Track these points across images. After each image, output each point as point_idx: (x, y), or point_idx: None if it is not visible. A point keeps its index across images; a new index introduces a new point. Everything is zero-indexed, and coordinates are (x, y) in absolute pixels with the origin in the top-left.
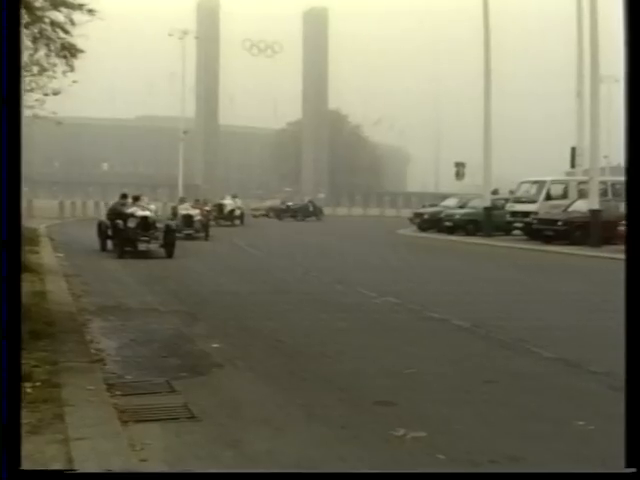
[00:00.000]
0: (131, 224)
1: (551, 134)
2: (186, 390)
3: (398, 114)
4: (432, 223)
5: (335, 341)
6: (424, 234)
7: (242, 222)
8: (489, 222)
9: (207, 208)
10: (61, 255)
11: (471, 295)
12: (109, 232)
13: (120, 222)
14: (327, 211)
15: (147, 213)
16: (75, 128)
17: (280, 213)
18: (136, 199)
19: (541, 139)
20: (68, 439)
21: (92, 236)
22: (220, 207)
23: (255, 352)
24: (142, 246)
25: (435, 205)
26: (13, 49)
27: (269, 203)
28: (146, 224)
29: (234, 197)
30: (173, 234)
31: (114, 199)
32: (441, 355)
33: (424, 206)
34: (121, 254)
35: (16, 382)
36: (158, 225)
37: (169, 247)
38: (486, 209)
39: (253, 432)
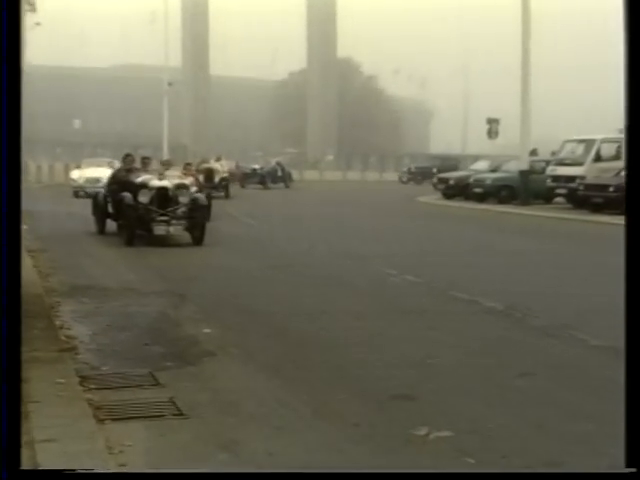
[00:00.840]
0: (143, 198)
1: (603, 84)
2: (172, 383)
3: (419, 63)
4: (459, 189)
5: (346, 326)
6: (449, 202)
7: (227, 193)
8: (526, 188)
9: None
10: (36, 249)
11: (505, 273)
12: (109, 209)
13: (127, 195)
14: (337, 176)
15: (166, 183)
16: (40, 79)
17: (244, 179)
18: (145, 163)
19: (590, 90)
20: (33, 441)
21: (74, 211)
22: (209, 173)
23: (253, 338)
24: (160, 229)
25: (425, 168)
26: (13, 49)
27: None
28: (165, 198)
29: (218, 160)
30: (203, 212)
31: (86, 162)
32: (469, 342)
33: (409, 170)
34: (130, 240)
35: (16, 382)
36: (181, 199)
37: (197, 230)
38: (523, 173)
39: (250, 431)
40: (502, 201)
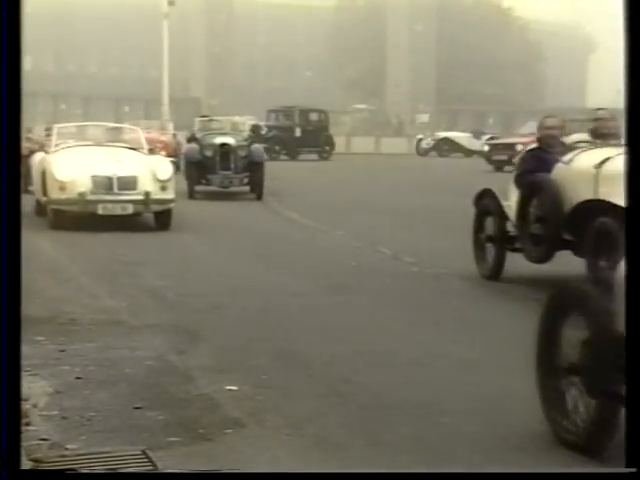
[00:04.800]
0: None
1: None
2: (178, 467)
3: None
4: None
5: (451, 379)
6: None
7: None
8: None
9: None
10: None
11: None
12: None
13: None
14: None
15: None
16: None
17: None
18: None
19: None
20: None
21: None
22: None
23: (301, 399)
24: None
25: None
26: (13, 49)
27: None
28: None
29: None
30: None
31: (38, 117)
32: None
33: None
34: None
35: (16, 382)
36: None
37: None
38: None
39: None
40: None
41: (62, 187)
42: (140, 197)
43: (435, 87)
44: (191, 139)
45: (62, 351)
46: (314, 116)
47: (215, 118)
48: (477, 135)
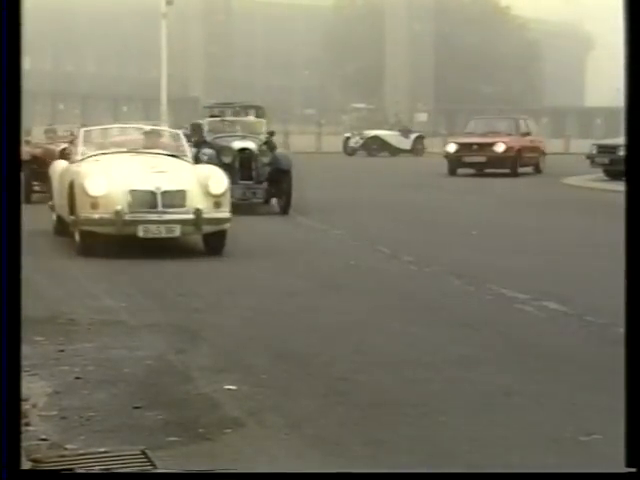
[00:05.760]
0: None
1: None
2: (177, 467)
3: None
4: None
5: (448, 377)
6: (615, 185)
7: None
8: None
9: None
10: None
11: None
12: None
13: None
14: (432, 145)
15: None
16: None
17: None
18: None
19: None
20: None
21: None
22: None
23: (301, 398)
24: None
25: None
26: (13, 49)
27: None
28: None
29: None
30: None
31: (37, 117)
32: None
33: None
34: None
35: (16, 382)
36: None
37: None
38: None
39: None
40: None
41: (94, 204)
42: (189, 216)
43: (433, 86)
44: (199, 142)
45: (61, 350)
46: (252, 112)
47: (227, 119)
48: (405, 134)
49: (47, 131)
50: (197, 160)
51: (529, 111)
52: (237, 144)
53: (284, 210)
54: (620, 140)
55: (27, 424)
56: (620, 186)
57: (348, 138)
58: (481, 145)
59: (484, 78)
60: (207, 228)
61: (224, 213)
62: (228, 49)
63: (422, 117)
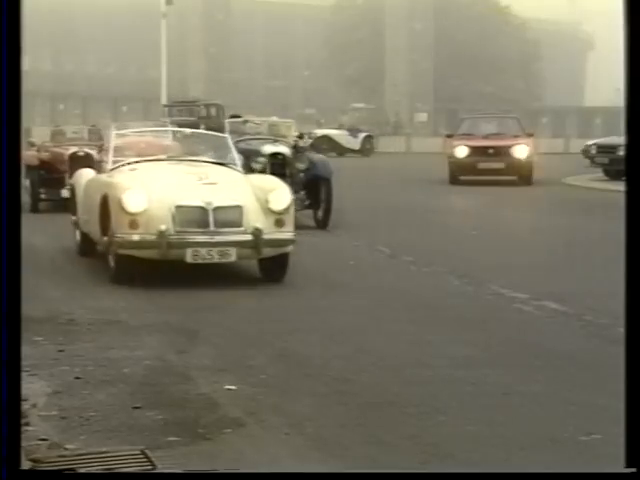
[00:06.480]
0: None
1: None
2: (177, 467)
3: None
4: None
5: (445, 376)
6: (615, 185)
7: None
8: None
9: None
10: None
11: None
12: None
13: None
14: (432, 145)
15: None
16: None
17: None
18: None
19: None
20: None
21: None
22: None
23: (302, 398)
24: None
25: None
26: (13, 49)
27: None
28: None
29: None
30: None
31: (37, 117)
32: None
33: None
34: None
35: (16, 381)
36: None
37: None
38: None
39: None
40: None
41: (134, 223)
42: (247, 237)
43: (433, 86)
44: None
45: (61, 350)
46: (213, 111)
47: (250, 119)
48: (354, 133)
49: (54, 133)
50: None
51: (529, 111)
52: (268, 148)
53: (322, 224)
54: (615, 139)
55: (27, 424)
56: (619, 186)
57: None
58: (498, 149)
59: (484, 78)
60: (267, 251)
61: (287, 233)
62: (228, 49)
63: (422, 117)
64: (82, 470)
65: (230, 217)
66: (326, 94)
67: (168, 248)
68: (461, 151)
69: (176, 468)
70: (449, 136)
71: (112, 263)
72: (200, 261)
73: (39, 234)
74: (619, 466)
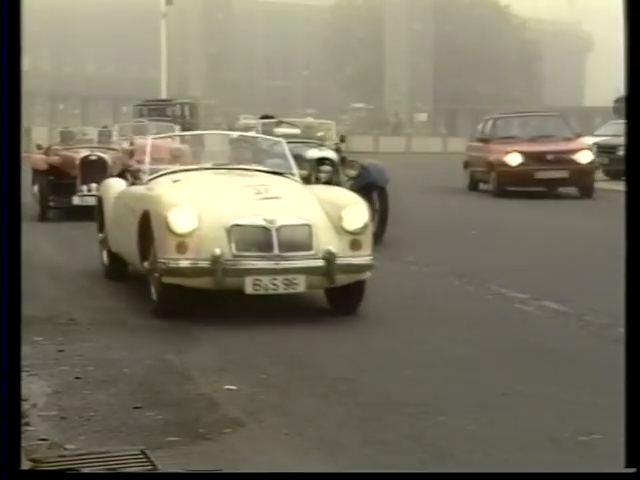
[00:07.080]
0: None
1: None
2: (177, 467)
3: None
4: None
5: (446, 380)
6: (617, 185)
7: None
8: None
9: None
10: None
11: None
12: None
13: None
14: (431, 145)
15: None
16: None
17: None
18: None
19: None
20: None
21: None
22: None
23: (302, 399)
24: None
25: None
26: (13, 49)
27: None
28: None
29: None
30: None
31: (37, 117)
32: None
33: None
34: None
35: (16, 381)
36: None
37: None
38: None
39: None
40: None
41: (182, 246)
42: (318, 263)
43: (433, 86)
44: None
45: (61, 350)
46: (187, 110)
47: (285, 120)
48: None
49: (63, 134)
50: None
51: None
52: (314, 153)
53: (376, 238)
54: (616, 139)
55: (27, 424)
56: (619, 185)
57: None
58: (559, 154)
59: (484, 78)
60: (341, 279)
61: (365, 257)
62: (228, 49)
63: (422, 117)
64: (82, 470)
65: (297, 238)
66: (326, 94)
67: (224, 276)
68: (514, 158)
69: (176, 468)
70: (483, 140)
71: (154, 293)
72: (262, 292)
73: (51, 248)
74: (619, 466)
